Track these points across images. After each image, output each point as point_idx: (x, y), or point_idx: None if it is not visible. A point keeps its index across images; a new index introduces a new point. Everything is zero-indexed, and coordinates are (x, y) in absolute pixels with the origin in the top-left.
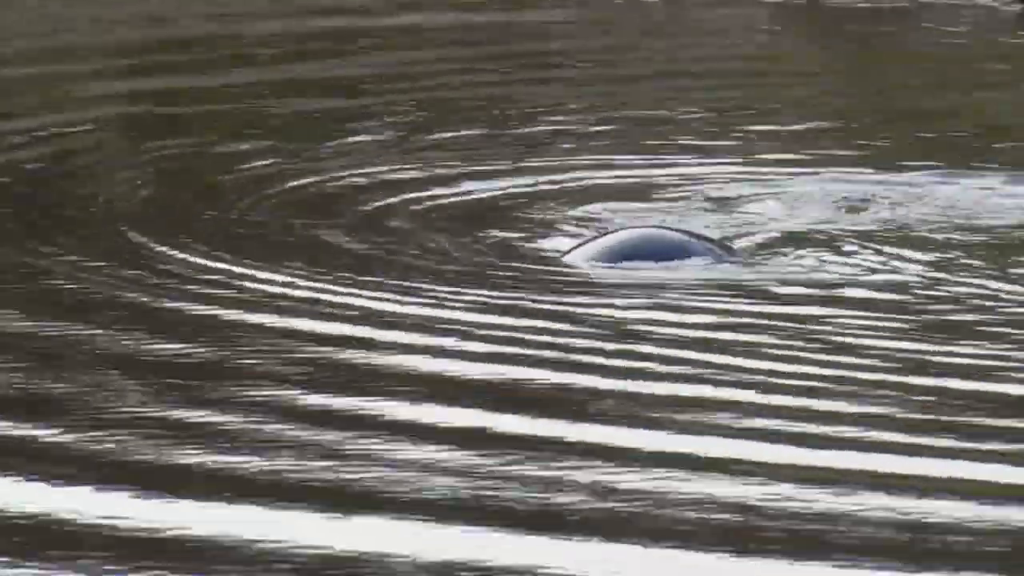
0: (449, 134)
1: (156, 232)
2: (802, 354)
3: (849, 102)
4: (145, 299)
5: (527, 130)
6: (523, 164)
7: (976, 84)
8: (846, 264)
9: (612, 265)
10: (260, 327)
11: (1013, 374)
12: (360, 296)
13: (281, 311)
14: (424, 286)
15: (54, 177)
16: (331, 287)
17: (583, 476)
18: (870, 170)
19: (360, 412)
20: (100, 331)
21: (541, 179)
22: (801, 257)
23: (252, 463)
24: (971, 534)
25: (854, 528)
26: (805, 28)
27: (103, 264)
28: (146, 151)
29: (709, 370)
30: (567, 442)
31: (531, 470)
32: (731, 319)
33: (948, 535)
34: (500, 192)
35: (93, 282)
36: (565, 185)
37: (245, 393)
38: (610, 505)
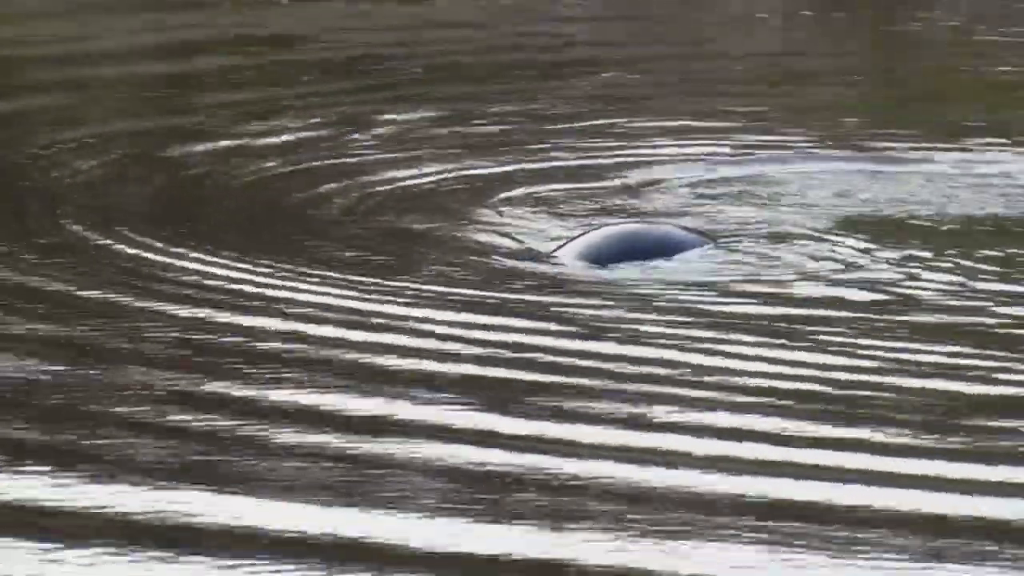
0: (412, 115)
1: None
2: (778, 353)
3: (860, 89)
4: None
5: (499, 109)
6: (498, 149)
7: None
8: (829, 258)
9: (602, 264)
10: (243, 327)
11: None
12: (345, 297)
13: (264, 311)
14: (411, 285)
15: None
16: (310, 286)
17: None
18: (868, 157)
19: (355, 413)
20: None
21: (518, 166)
22: (790, 250)
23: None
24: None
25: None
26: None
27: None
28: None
29: (693, 374)
30: (580, 443)
31: (539, 470)
32: (718, 320)
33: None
34: (479, 180)
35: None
36: (543, 173)
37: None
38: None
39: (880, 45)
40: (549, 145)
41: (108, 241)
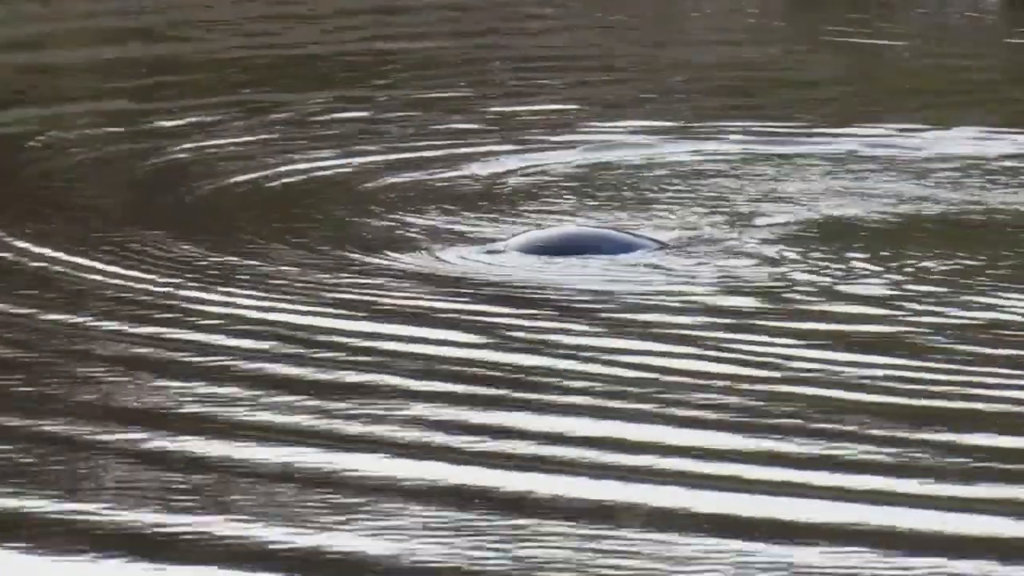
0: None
1: None
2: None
3: (811, 88)
4: None
5: (414, 95)
6: (424, 143)
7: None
8: (766, 261)
9: (528, 267)
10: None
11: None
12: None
13: (205, 328)
14: (353, 293)
15: None
16: (242, 300)
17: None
18: (808, 146)
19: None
20: None
21: (438, 160)
22: (727, 252)
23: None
24: None
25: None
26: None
27: None
28: None
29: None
30: (544, 498)
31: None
32: (648, 329)
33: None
34: (382, 171)
35: None
36: (472, 167)
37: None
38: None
39: (844, 47)
40: (452, 134)
41: None
